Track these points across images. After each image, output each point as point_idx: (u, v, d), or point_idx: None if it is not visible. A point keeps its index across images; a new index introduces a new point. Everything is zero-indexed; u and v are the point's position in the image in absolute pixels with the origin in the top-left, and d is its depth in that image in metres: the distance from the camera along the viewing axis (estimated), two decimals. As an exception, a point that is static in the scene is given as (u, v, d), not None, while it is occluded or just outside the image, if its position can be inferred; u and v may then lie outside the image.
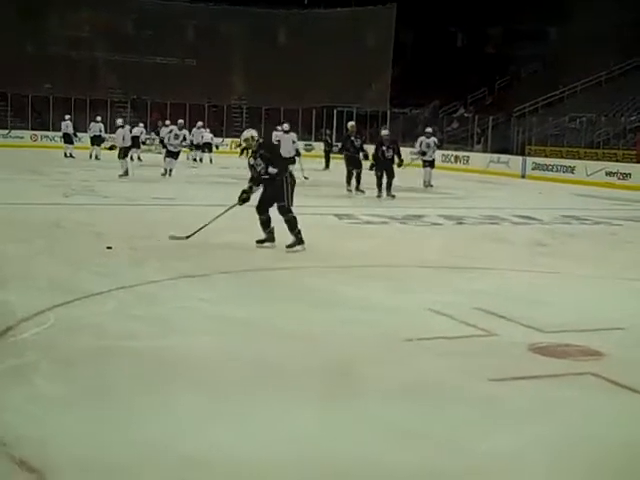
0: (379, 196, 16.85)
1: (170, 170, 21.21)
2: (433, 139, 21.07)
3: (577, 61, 33.57)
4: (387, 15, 42.36)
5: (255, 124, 40.26)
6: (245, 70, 42.46)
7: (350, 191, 17.26)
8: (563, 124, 30.37)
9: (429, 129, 21.68)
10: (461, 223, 12.95)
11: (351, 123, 18.84)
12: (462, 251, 9.94)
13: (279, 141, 19.52)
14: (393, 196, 16.82)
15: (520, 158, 28.17)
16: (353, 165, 17.39)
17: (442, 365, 5.01)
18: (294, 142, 20.13)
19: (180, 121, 23.47)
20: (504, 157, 28.87)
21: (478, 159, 29.98)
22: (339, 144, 28.11)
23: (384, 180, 16.84)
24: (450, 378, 4.76)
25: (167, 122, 29.29)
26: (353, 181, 17.45)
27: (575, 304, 6.87)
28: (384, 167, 16.98)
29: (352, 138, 17.71)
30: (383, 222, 12.61)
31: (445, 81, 38.43)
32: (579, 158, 26.77)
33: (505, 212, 14.44)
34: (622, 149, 27.36)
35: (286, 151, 17.96)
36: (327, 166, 27.52)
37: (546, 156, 28.15)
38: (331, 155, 28.02)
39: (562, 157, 27.41)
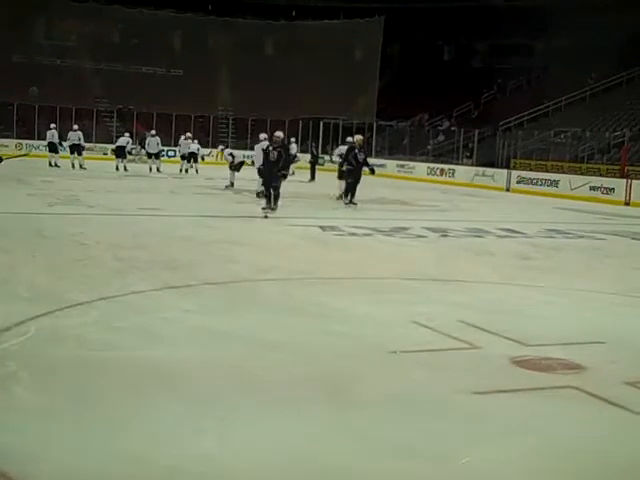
0: (347, 203, 16.98)
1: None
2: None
3: (562, 76, 33.86)
4: (375, 28, 42.60)
5: (241, 135, 40.43)
6: (232, 81, 42.51)
7: (347, 204, 17.26)
8: (548, 138, 30.57)
9: (350, 138, 20.58)
10: (445, 236, 12.98)
11: (358, 137, 18.62)
12: (446, 264, 9.97)
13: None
14: (355, 204, 16.95)
15: (505, 171, 28.32)
16: (354, 178, 17.39)
17: (426, 377, 5.02)
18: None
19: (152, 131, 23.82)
20: (489, 170, 29.02)
21: (463, 172, 30.13)
22: (325, 156, 28.13)
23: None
24: (434, 391, 4.77)
25: (152, 132, 29.43)
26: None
27: (558, 317, 6.89)
28: (357, 172, 17.16)
29: (356, 151, 17.67)
30: (367, 234, 12.63)
31: (431, 94, 38.64)
32: (563, 172, 26.94)
33: (489, 225, 14.49)
34: (606, 164, 27.56)
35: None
36: (313, 178, 27.57)
37: (531, 170, 28.32)
38: (317, 167, 28.09)
39: (547, 171, 27.58)
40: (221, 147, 26.45)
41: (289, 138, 21.86)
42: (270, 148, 15.03)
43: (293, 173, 19.46)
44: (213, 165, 30.46)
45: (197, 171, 28.28)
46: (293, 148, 20.04)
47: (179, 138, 31.58)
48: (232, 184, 21.50)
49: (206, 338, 5.75)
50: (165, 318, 6.27)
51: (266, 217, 14.05)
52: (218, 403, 4.41)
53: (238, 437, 3.97)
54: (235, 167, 21.98)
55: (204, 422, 4.12)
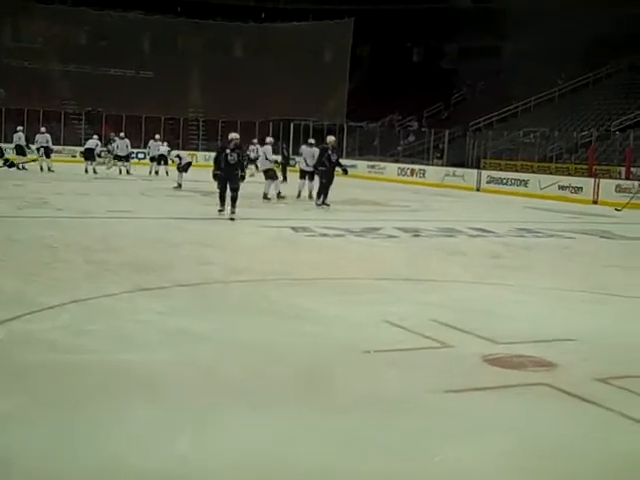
0: (319, 204, 17.04)
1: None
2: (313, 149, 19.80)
3: (530, 77, 34.15)
4: (344, 29, 42.72)
5: (212, 137, 40.32)
6: (202, 83, 42.40)
7: (319, 205, 17.29)
8: (517, 138, 30.84)
9: (312, 140, 20.82)
10: (417, 236, 13.04)
11: (330, 138, 18.71)
12: (418, 263, 10.02)
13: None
14: (328, 205, 17.02)
15: (475, 171, 28.51)
16: (327, 179, 17.46)
17: (399, 377, 5.04)
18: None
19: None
20: (460, 170, 29.21)
21: (434, 172, 30.30)
22: (296, 157, 28.10)
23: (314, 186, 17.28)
24: (407, 390, 4.78)
25: (122, 134, 29.27)
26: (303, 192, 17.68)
27: (529, 316, 6.95)
28: (330, 174, 17.24)
29: (329, 152, 17.74)
30: (339, 235, 12.65)
31: (401, 95, 38.84)
32: (533, 172, 27.18)
33: (461, 225, 14.58)
34: (574, 163, 27.86)
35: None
36: (284, 179, 27.55)
37: (501, 170, 28.54)
38: (288, 168, 28.08)
39: (516, 171, 27.81)
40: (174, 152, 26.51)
41: (265, 138, 21.79)
42: (228, 151, 14.85)
43: (253, 175, 19.64)
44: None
45: (167, 173, 28.13)
46: (268, 150, 19.97)
47: (149, 140, 31.41)
48: (180, 185, 21.78)
49: (180, 340, 5.72)
50: (138, 321, 6.24)
51: (232, 220, 14.01)
52: (192, 405, 4.39)
53: (213, 439, 3.96)
54: (182, 168, 22.30)
55: (179, 425, 4.11)
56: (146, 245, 10.50)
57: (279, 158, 25.45)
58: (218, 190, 14.85)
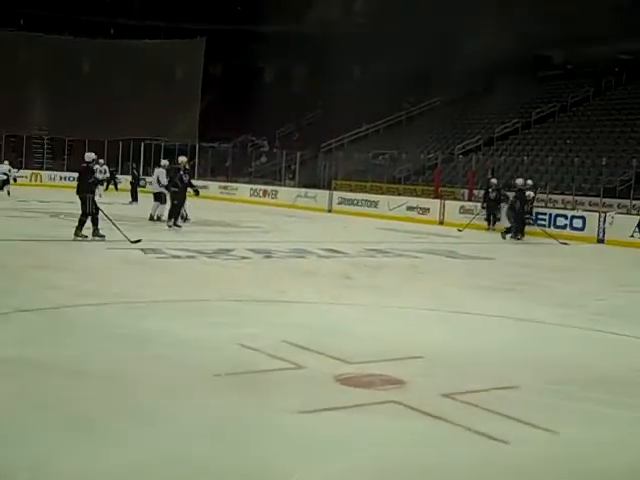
0: (171, 226, 16.86)
1: None
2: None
3: (379, 100, 35.13)
4: (196, 49, 42.49)
5: (58, 156, 38.99)
6: (47, 99, 40.90)
7: (170, 226, 17.00)
8: (367, 160, 31.59)
9: (164, 162, 20.29)
10: (269, 257, 13.07)
11: (182, 158, 18.54)
12: (270, 285, 10.03)
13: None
14: (179, 226, 16.91)
15: (327, 192, 28.95)
16: (179, 200, 17.23)
17: (250, 399, 5.00)
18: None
19: None
20: (312, 192, 29.57)
21: (286, 193, 30.52)
22: (147, 177, 27.61)
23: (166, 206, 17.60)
24: (258, 412, 4.75)
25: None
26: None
27: (379, 335, 7.09)
28: (182, 194, 17.11)
29: (181, 173, 17.51)
30: (190, 256, 12.50)
31: (253, 116, 38.96)
32: (382, 193, 27.90)
33: (312, 246, 14.74)
34: (421, 185, 28.84)
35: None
36: (134, 199, 26.99)
37: (351, 191, 29.12)
38: (138, 188, 27.55)
39: (366, 192, 28.46)
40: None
41: (99, 159, 20.97)
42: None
43: (100, 196, 19.09)
44: (27, 187, 29.15)
45: (9, 193, 26.97)
46: (162, 173, 19.35)
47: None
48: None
49: (22, 369, 5.45)
50: (-25, 349, 5.89)
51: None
52: (36, 438, 4.18)
53: (57, 473, 3.78)
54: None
55: (18, 459, 3.90)
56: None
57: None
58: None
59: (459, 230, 20.08)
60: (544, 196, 22.96)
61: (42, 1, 41.31)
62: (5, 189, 27.13)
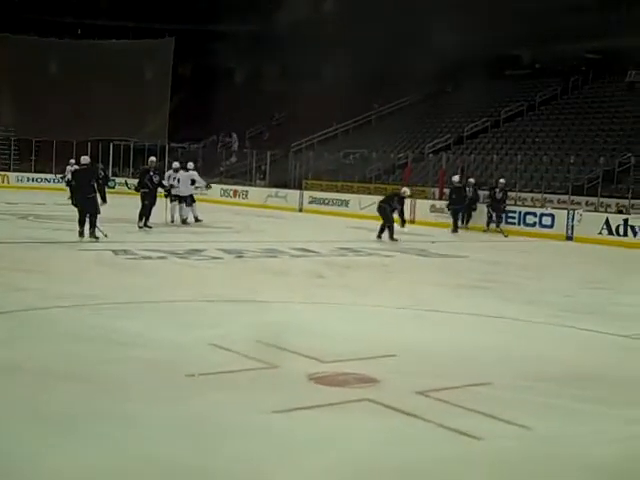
0: (142, 227, 16.77)
1: None
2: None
3: (348, 100, 35.16)
4: (165, 48, 42.24)
5: (25, 157, 38.56)
6: (13, 100, 40.37)
7: (141, 227, 16.90)
8: (338, 160, 31.61)
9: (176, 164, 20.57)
10: (241, 257, 13.04)
11: (152, 159, 18.52)
12: (243, 285, 10.00)
13: (178, 180, 19.00)
14: (150, 227, 16.85)
15: (298, 192, 28.92)
16: (150, 201, 17.13)
17: (224, 399, 4.98)
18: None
19: None
20: (282, 191, 29.53)
21: (257, 193, 30.45)
22: (117, 178, 27.41)
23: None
24: (232, 412, 4.74)
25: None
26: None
27: (351, 333, 7.10)
28: (153, 195, 17.02)
29: (151, 173, 17.44)
30: (161, 257, 12.43)
31: (223, 116, 38.85)
32: (353, 192, 27.92)
33: (284, 245, 14.72)
34: (392, 183, 28.90)
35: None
36: (104, 200, 26.73)
37: (322, 190, 29.12)
38: (106, 189, 27.28)
39: (337, 191, 28.48)
40: None
41: (187, 163, 20.73)
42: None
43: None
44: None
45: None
46: (195, 175, 19.57)
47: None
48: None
49: (-9, 372, 5.38)
50: (-57, 353, 5.82)
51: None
52: (6, 439, 4.13)
53: (28, 475, 3.74)
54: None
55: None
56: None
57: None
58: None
59: (505, 236, 19.52)
60: (513, 194, 23.09)
61: (8, 1, 40.82)
62: None
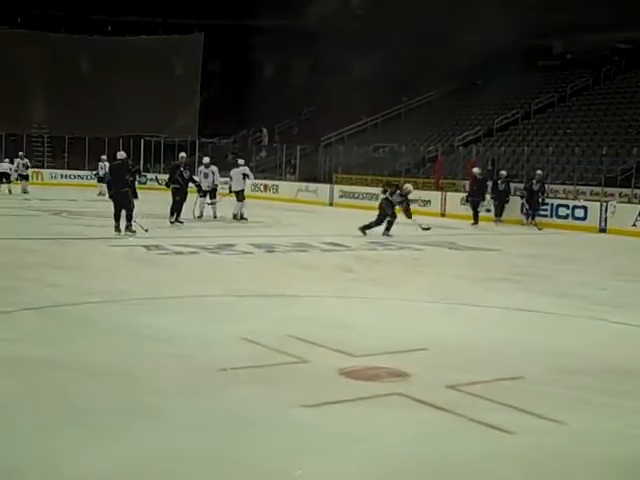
0: (173, 222, 16.86)
1: None
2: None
3: (378, 94, 35.10)
4: (194, 44, 42.43)
5: (58, 154, 38.97)
6: (46, 98, 40.79)
7: (172, 223, 17.02)
8: (368, 153, 31.54)
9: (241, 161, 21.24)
10: (271, 251, 13.08)
11: (182, 154, 18.63)
12: (273, 279, 10.04)
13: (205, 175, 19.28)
14: (182, 222, 16.92)
15: (328, 186, 28.92)
16: (181, 197, 17.22)
17: (255, 394, 5.01)
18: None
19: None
20: (312, 185, 29.55)
21: (287, 188, 30.50)
22: (147, 174, 27.65)
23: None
24: (263, 406, 4.77)
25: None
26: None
27: (383, 327, 7.10)
28: (184, 191, 17.09)
29: (181, 169, 17.52)
30: (193, 252, 12.51)
31: (253, 111, 38.93)
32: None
33: (314, 239, 14.74)
34: (422, 177, 28.80)
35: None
36: (135, 196, 26.93)
37: (352, 184, 29.09)
38: (136, 185, 27.50)
39: (367, 185, 28.42)
40: None
41: (237, 160, 21.07)
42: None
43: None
44: (30, 185, 29.11)
45: (10, 191, 26.98)
46: (247, 170, 19.94)
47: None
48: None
49: (26, 367, 5.46)
50: (-20, 348, 5.91)
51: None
52: (41, 435, 4.20)
53: (64, 469, 3.80)
54: None
55: (28, 457, 3.92)
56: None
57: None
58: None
59: (539, 229, 19.39)
60: (545, 186, 22.89)
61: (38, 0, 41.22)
62: (8, 187, 27.13)
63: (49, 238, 14.02)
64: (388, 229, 16.35)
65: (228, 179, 19.47)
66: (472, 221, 20.29)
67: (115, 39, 42.30)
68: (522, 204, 20.44)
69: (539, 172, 20.86)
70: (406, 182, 18.93)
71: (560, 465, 4.10)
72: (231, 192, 19.40)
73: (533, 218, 19.98)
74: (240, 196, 19.31)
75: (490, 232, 18.79)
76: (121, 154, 15.44)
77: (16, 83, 39.55)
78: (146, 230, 14.17)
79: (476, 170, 21.48)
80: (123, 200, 14.30)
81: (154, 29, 42.62)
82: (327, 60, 38.03)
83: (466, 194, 21.64)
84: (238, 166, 19.92)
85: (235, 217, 19.08)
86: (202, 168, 19.56)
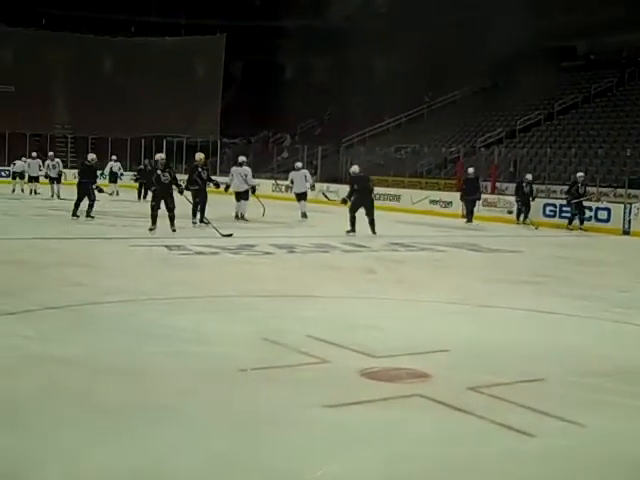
0: (195, 223, 16.87)
1: None
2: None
3: (400, 94, 35.03)
4: (216, 45, 42.61)
5: (81, 154, 39.19)
6: (69, 98, 41.14)
7: (195, 223, 17.03)
8: (389, 154, 31.50)
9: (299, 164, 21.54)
10: (292, 252, 13.08)
11: (199, 154, 18.50)
12: (294, 279, 10.04)
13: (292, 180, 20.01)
14: (207, 222, 16.91)
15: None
16: (201, 197, 17.22)
17: (275, 394, 5.00)
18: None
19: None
20: (334, 186, 29.51)
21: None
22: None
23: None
24: (283, 406, 4.76)
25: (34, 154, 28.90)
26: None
27: (404, 328, 7.07)
28: (203, 191, 17.07)
29: (199, 169, 17.47)
30: (214, 252, 12.53)
31: (274, 112, 39.03)
32: (404, 187, 27.79)
33: (335, 240, 14.73)
34: (443, 178, 28.72)
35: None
36: (144, 196, 26.98)
37: (373, 185, 28.96)
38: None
39: (388, 186, 28.36)
40: None
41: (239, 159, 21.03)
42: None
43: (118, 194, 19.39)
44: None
45: (33, 192, 27.19)
46: (249, 171, 19.92)
47: (15, 158, 30.31)
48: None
49: (48, 365, 5.49)
50: (3, 346, 5.95)
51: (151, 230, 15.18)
52: (62, 433, 4.21)
53: (84, 467, 3.81)
54: None
55: (47, 453, 3.93)
56: (10, 267, 10.07)
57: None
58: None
59: (536, 227, 19.48)
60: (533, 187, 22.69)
61: (63, 0, 41.56)
62: (32, 188, 27.31)
63: (71, 238, 14.11)
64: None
65: (228, 179, 19.41)
66: (465, 219, 20.64)
67: (138, 40, 42.57)
68: (571, 208, 19.93)
69: (580, 174, 20.54)
70: (425, 182, 19.03)
71: (581, 468, 4.06)
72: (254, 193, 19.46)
73: (582, 222, 19.72)
74: (239, 196, 19.16)
75: (509, 234, 18.68)
76: (160, 156, 16.21)
77: (40, 84, 39.91)
78: (230, 235, 14.43)
79: (470, 170, 21.78)
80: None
81: (177, 30, 42.85)
82: (349, 61, 38.08)
83: (460, 194, 21.86)
84: (240, 165, 19.84)
85: (239, 217, 18.97)
86: (235, 167, 19.57)
